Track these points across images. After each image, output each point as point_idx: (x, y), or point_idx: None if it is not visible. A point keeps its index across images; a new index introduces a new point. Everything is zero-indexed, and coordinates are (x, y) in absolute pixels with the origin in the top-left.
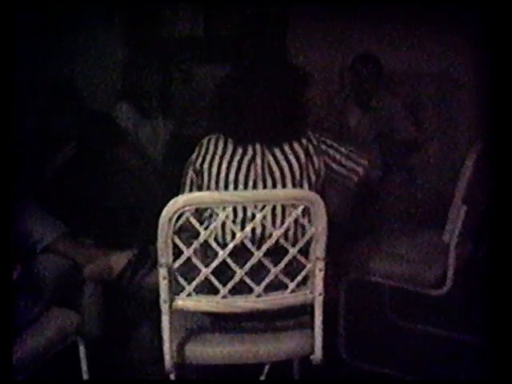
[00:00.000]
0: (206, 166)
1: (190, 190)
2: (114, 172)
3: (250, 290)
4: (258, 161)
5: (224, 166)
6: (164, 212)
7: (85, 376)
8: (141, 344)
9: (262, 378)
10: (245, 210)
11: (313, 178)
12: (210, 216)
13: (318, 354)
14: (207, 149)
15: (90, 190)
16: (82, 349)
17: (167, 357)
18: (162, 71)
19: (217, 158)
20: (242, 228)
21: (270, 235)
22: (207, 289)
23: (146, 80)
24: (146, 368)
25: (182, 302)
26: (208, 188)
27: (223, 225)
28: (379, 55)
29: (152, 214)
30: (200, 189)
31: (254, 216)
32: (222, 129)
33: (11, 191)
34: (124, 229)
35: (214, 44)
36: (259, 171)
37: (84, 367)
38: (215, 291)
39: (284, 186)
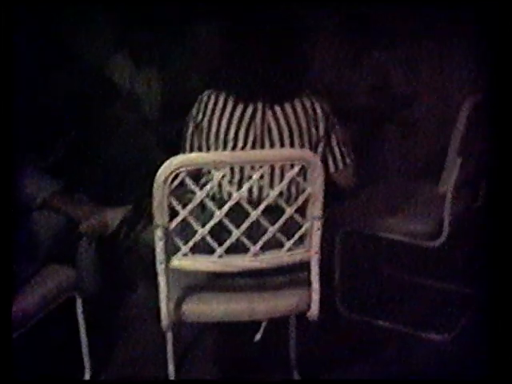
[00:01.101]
0: (205, 122)
1: (191, 145)
2: (109, 128)
3: (247, 249)
4: (258, 120)
5: (224, 123)
6: (159, 173)
7: (82, 332)
8: (138, 301)
9: (258, 336)
10: (242, 170)
11: (313, 142)
12: (208, 176)
13: (314, 310)
14: (207, 104)
15: (86, 147)
16: (78, 305)
17: (164, 316)
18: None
19: (217, 114)
20: (240, 188)
21: (267, 195)
22: (203, 248)
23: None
24: (143, 325)
25: (178, 261)
26: (207, 144)
27: (220, 185)
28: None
29: (147, 172)
30: (199, 145)
31: (250, 176)
32: (222, 84)
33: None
34: (119, 186)
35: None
36: (258, 131)
37: (81, 323)
38: (212, 251)
39: (282, 147)
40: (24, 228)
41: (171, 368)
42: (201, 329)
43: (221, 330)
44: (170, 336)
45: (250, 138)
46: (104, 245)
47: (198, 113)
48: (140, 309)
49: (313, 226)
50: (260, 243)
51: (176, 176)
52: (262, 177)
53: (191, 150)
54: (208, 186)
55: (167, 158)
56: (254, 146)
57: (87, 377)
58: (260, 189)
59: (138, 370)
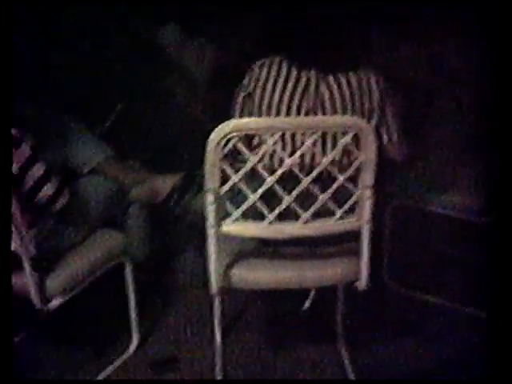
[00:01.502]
0: (258, 91)
1: (241, 115)
2: (160, 97)
3: (297, 217)
4: (311, 91)
5: (277, 93)
6: (212, 137)
7: (130, 298)
8: (186, 268)
9: (307, 304)
10: (293, 138)
11: (366, 114)
12: (259, 142)
13: (363, 280)
14: (260, 74)
15: (137, 115)
16: (128, 270)
17: (213, 281)
18: None
19: (270, 83)
20: (291, 155)
21: (319, 163)
22: (254, 214)
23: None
24: (191, 292)
25: (228, 227)
26: (259, 114)
27: (271, 152)
28: None
29: (197, 140)
30: (251, 114)
31: (302, 143)
32: (275, 53)
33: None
34: (170, 153)
35: None
36: (311, 102)
37: (130, 288)
38: (262, 217)
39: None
40: (75, 193)
41: (218, 334)
42: (248, 295)
43: (268, 296)
44: (217, 302)
45: (303, 109)
46: (154, 211)
47: (249, 83)
48: (188, 275)
49: (364, 194)
50: (311, 211)
51: (228, 141)
52: (313, 144)
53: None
54: (261, 152)
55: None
56: (306, 114)
57: (135, 342)
58: (312, 156)
59: (186, 336)
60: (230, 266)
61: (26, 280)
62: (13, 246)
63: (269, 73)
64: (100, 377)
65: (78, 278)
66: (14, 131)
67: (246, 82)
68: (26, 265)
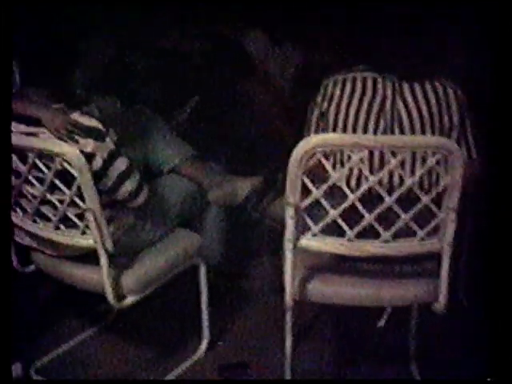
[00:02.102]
0: (332, 110)
1: (316, 131)
2: (242, 100)
3: (376, 235)
4: (388, 108)
5: (352, 111)
6: (295, 151)
7: (203, 300)
8: (260, 273)
9: (381, 323)
10: (375, 155)
11: (445, 130)
12: (341, 158)
13: (441, 302)
14: (333, 92)
15: (218, 117)
16: (202, 272)
17: (288, 293)
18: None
19: (344, 102)
20: (373, 172)
21: (402, 182)
22: (333, 230)
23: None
24: (264, 298)
25: (306, 241)
26: (334, 128)
27: (354, 168)
28: None
29: (278, 145)
30: (325, 132)
31: (382, 162)
32: (349, 66)
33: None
34: (250, 157)
35: None
36: (388, 119)
37: (203, 290)
38: (341, 233)
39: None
40: (154, 191)
41: (288, 344)
42: (322, 306)
43: (342, 311)
44: (290, 313)
45: (380, 128)
46: (232, 214)
47: (323, 101)
48: (262, 281)
49: (448, 217)
50: (392, 230)
51: (312, 155)
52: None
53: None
54: (345, 168)
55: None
56: (384, 132)
57: (204, 345)
58: (395, 174)
59: (256, 342)
60: (305, 279)
61: (101, 276)
62: (91, 241)
63: (343, 91)
64: (167, 378)
65: (153, 277)
66: (98, 125)
67: (319, 99)
68: (103, 260)
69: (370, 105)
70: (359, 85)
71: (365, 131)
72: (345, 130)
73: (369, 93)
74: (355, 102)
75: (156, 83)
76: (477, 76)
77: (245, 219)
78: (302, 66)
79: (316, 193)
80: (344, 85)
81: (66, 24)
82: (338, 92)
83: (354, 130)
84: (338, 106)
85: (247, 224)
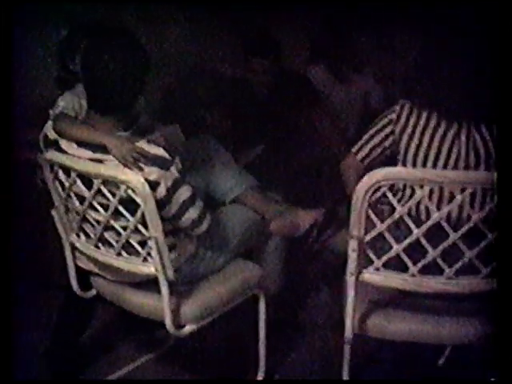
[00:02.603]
0: (405, 136)
1: (382, 152)
2: (305, 131)
3: (439, 271)
4: (463, 137)
5: (426, 139)
6: (360, 185)
7: (261, 330)
8: (319, 305)
9: (441, 360)
10: (442, 189)
11: None
12: (404, 190)
13: None
14: (408, 117)
15: (280, 147)
16: (261, 302)
17: (348, 327)
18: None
19: (419, 129)
20: (438, 207)
21: (468, 217)
22: (394, 264)
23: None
24: (322, 330)
25: (369, 275)
26: (404, 158)
27: (419, 202)
28: None
29: (339, 176)
30: (394, 155)
31: (452, 196)
32: (423, 98)
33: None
34: (312, 187)
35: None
36: (463, 148)
37: (262, 320)
38: (403, 268)
39: (488, 166)
40: (216, 221)
41: (345, 377)
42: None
43: (402, 346)
44: (348, 346)
45: (453, 157)
46: (292, 245)
47: (397, 123)
48: (320, 313)
49: None
50: (456, 266)
51: (377, 189)
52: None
53: (374, 150)
54: (409, 203)
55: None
56: (456, 165)
57: (261, 376)
58: (460, 209)
59: (312, 375)
60: (366, 314)
61: (161, 303)
62: (152, 269)
63: (418, 117)
64: None
65: (213, 306)
66: (164, 154)
67: (394, 116)
68: (164, 288)
69: (445, 131)
70: (435, 117)
71: (436, 159)
72: (415, 157)
73: (444, 122)
74: (430, 129)
75: (219, 111)
76: None
77: (305, 251)
78: (365, 97)
79: (380, 226)
80: (420, 112)
81: (133, 51)
82: (414, 118)
83: (425, 159)
84: (413, 131)
85: (307, 255)
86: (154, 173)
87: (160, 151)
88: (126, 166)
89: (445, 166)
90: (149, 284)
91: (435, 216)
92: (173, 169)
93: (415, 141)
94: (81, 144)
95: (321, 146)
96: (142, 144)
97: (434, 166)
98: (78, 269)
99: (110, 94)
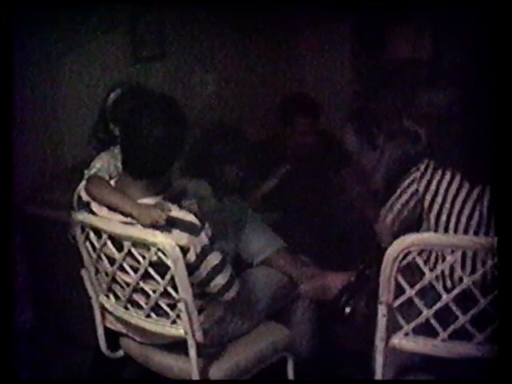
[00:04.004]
0: (428, 195)
1: (409, 213)
2: (335, 192)
3: (468, 337)
4: (486, 200)
5: (448, 202)
6: (389, 250)
7: None
8: (350, 366)
9: None
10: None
11: None
12: (434, 254)
13: None
14: (432, 176)
15: (310, 208)
16: (290, 366)
17: None
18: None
19: (441, 190)
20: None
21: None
22: (424, 331)
23: (372, 103)
24: None
25: (398, 340)
26: (427, 217)
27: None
28: None
29: (369, 240)
30: (413, 216)
31: (483, 262)
32: (449, 160)
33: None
34: (342, 251)
35: (441, 67)
36: (485, 212)
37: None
38: (432, 333)
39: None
40: (244, 283)
41: None
42: None
43: None
44: None
45: (474, 221)
46: (322, 308)
47: (420, 182)
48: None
49: None
50: (485, 333)
51: (406, 254)
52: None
53: (401, 213)
54: (439, 268)
55: None
56: (478, 226)
57: None
58: (492, 274)
59: None
60: (395, 379)
61: (190, 366)
62: (181, 331)
63: (441, 179)
64: None
65: (241, 369)
66: (194, 220)
67: (418, 175)
68: (192, 350)
69: (464, 201)
70: (457, 181)
71: (456, 226)
72: (437, 221)
73: (465, 189)
74: (454, 187)
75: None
76: None
77: (336, 314)
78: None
79: (410, 292)
80: (444, 173)
81: (175, 121)
82: (436, 180)
83: (448, 221)
84: (436, 193)
85: (338, 319)
86: (183, 238)
87: (190, 217)
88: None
89: (466, 230)
90: (177, 346)
91: (465, 281)
92: (203, 235)
93: (438, 200)
94: (111, 208)
95: (351, 208)
96: (174, 210)
97: (456, 228)
98: (106, 329)
99: (146, 160)
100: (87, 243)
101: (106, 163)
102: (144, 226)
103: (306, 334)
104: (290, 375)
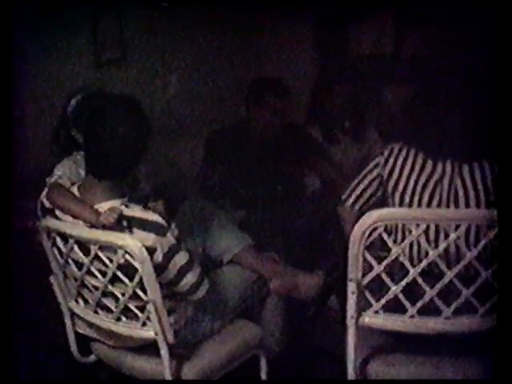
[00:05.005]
0: (393, 178)
1: (371, 196)
2: (296, 191)
3: (437, 311)
4: (445, 182)
5: (411, 182)
6: (357, 226)
7: None
8: (321, 366)
9: None
10: (437, 227)
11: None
12: (400, 231)
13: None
14: (396, 160)
15: (277, 206)
16: (262, 363)
17: (351, 373)
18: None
19: (405, 172)
20: (435, 246)
21: (463, 256)
22: (393, 307)
23: (336, 101)
24: None
25: (368, 318)
26: (392, 200)
27: (414, 242)
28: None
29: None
30: (378, 194)
31: (446, 235)
32: (413, 142)
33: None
34: (309, 247)
35: (403, 63)
36: (444, 193)
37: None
38: (402, 310)
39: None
40: (215, 281)
41: None
42: None
43: None
44: None
45: (435, 200)
46: (291, 305)
47: (386, 164)
48: (324, 368)
49: None
50: (453, 306)
51: (373, 230)
52: (458, 236)
53: (363, 195)
54: (405, 243)
55: None
56: (439, 205)
57: None
58: (456, 248)
59: None
60: (367, 360)
61: (162, 367)
62: (151, 333)
63: (405, 161)
64: None
65: (213, 369)
66: (160, 220)
67: (382, 161)
68: (163, 351)
69: (429, 176)
70: (421, 157)
71: (420, 203)
72: (402, 198)
73: (429, 165)
74: (415, 173)
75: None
76: None
77: (304, 311)
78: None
79: (378, 268)
80: (408, 155)
81: (136, 121)
82: (401, 160)
83: (411, 200)
84: (401, 174)
85: (308, 316)
86: (150, 239)
87: (156, 217)
88: (108, 228)
89: (428, 206)
90: (148, 348)
91: (430, 254)
92: (169, 235)
93: (402, 181)
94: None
95: (319, 203)
96: (138, 211)
97: (419, 205)
98: (77, 334)
99: (109, 161)
100: (54, 249)
101: (67, 170)
102: (104, 228)
103: (276, 330)
104: (264, 372)
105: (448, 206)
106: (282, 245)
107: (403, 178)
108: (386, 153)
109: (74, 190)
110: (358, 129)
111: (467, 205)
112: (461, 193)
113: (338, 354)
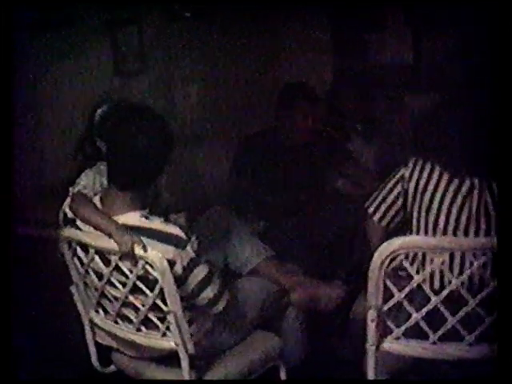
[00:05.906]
0: (419, 191)
1: (398, 212)
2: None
3: (459, 338)
4: (475, 196)
5: (437, 197)
6: (377, 254)
7: None
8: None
9: None
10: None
11: None
12: (423, 258)
13: None
14: (421, 172)
15: (305, 213)
16: (282, 374)
17: None
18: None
19: (430, 186)
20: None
21: (488, 285)
22: (414, 333)
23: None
24: None
25: (389, 344)
26: (418, 215)
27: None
28: None
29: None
30: (405, 209)
31: (471, 263)
32: (437, 158)
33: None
34: (330, 258)
35: (423, 71)
36: (474, 208)
37: None
38: (423, 336)
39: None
40: (235, 293)
41: None
42: None
43: None
44: None
45: (464, 215)
46: (312, 316)
47: (411, 177)
48: None
49: None
50: (475, 333)
51: (394, 258)
52: (483, 265)
53: (390, 210)
54: (427, 271)
55: None
56: (468, 224)
57: None
58: (479, 276)
59: None
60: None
61: (182, 377)
62: (172, 343)
63: (430, 175)
64: None
65: (234, 379)
66: (180, 233)
67: (407, 174)
68: (184, 363)
69: (458, 188)
70: (448, 172)
71: (447, 217)
72: (427, 213)
73: (456, 181)
74: (442, 187)
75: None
76: None
77: (327, 323)
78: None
79: (398, 295)
80: (432, 169)
81: (158, 133)
82: (425, 174)
83: (438, 215)
84: (426, 187)
85: (330, 328)
86: (169, 252)
87: (176, 230)
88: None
89: (456, 225)
90: (169, 359)
91: (453, 283)
92: (189, 248)
93: (426, 200)
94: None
95: (341, 215)
96: (158, 223)
97: (445, 228)
98: (97, 344)
99: (131, 172)
100: (75, 259)
101: (91, 180)
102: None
103: (297, 341)
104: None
105: (478, 226)
106: (303, 255)
107: (427, 196)
108: (411, 164)
109: (96, 200)
110: (367, 133)
111: (488, 229)
112: (491, 210)
113: (360, 365)
